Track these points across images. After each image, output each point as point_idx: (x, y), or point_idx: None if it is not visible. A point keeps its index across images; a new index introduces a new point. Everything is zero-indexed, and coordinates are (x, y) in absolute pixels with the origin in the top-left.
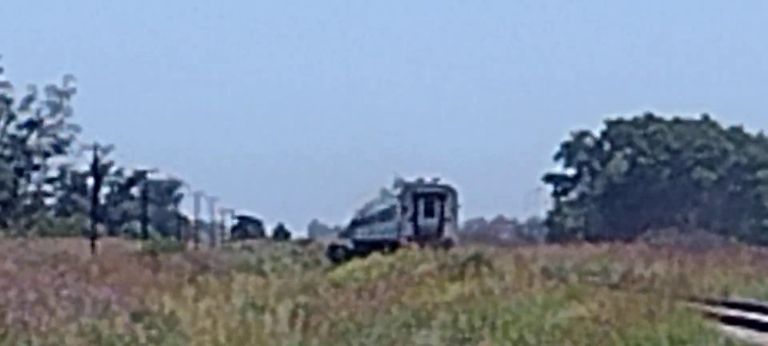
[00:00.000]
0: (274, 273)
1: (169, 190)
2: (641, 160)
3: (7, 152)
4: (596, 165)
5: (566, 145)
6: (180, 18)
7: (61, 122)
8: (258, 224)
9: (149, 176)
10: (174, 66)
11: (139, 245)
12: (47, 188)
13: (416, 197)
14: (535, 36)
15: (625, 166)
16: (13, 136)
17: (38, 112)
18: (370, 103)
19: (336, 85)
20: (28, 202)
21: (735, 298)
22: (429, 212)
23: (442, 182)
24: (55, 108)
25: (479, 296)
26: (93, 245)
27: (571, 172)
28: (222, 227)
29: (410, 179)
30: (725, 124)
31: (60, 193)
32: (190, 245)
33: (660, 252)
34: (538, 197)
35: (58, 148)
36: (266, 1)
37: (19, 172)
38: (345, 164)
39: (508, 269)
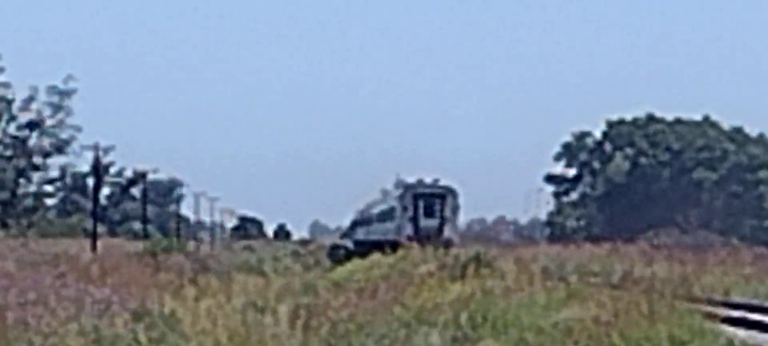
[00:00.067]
0: (274, 273)
1: (169, 190)
2: (642, 160)
3: (8, 153)
4: (597, 165)
5: (567, 146)
6: (180, 18)
7: (61, 122)
8: (259, 224)
9: (150, 176)
10: (174, 66)
11: (139, 245)
12: (48, 188)
13: (416, 198)
14: (536, 36)
15: (625, 166)
16: (13, 137)
17: (39, 112)
18: (370, 104)
19: (336, 85)
20: (28, 202)
21: (736, 298)
22: (429, 213)
23: (443, 182)
24: (56, 108)
25: (480, 296)
26: (93, 246)
27: (571, 172)
28: (222, 227)
29: (411, 179)
30: (726, 125)
31: (61, 193)
32: (191, 245)
33: (661, 252)
34: (538, 198)
35: (59, 148)
36: (266, 1)
37: (20, 172)
38: (346, 165)
39: (509, 270)
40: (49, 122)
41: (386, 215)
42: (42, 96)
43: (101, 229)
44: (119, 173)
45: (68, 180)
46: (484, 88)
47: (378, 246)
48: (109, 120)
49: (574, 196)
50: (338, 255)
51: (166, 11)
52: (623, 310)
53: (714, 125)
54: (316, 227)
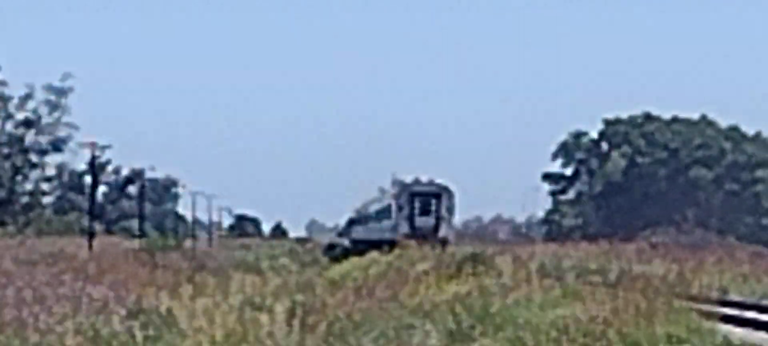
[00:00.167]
0: (271, 272)
1: (166, 188)
2: (639, 159)
3: (5, 150)
4: (594, 164)
5: (564, 144)
6: (178, 17)
7: (58, 120)
8: (256, 222)
9: (147, 174)
10: (171, 65)
11: (136, 243)
12: (45, 186)
13: (413, 196)
14: (533, 35)
15: (622, 165)
16: (10, 135)
17: (36, 110)
18: (367, 102)
19: (333, 84)
20: (25, 200)
21: (733, 297)
22: (425, 211)
23: (439, 181)
24: (53, 106)
25: (477, 294)
26: (90, 244)
27: (568, 171)
28: (219, 225)
29: (407, 178)
30: (723, 124)
31: (57, 191)
32: (188, 243)
33: (658, 251)
34: (535, 196)
35: (56, 146)
36: (266, 2)
37: (17, 170)
38: (343, 163)
39: (506, 268)
40: (46, 120)
41: (383, 214)
42: (39, 94)
43: (98, 227)
44: (116, 171)
45: (65, 178)
46: (481, 87)
47: (374, 245)
48: (106, 118)
49: (571, 194)
50: (335, 253)
51: (164, 10)
52: (620, 308)
53: (711, 124)
54: (312, 226)
